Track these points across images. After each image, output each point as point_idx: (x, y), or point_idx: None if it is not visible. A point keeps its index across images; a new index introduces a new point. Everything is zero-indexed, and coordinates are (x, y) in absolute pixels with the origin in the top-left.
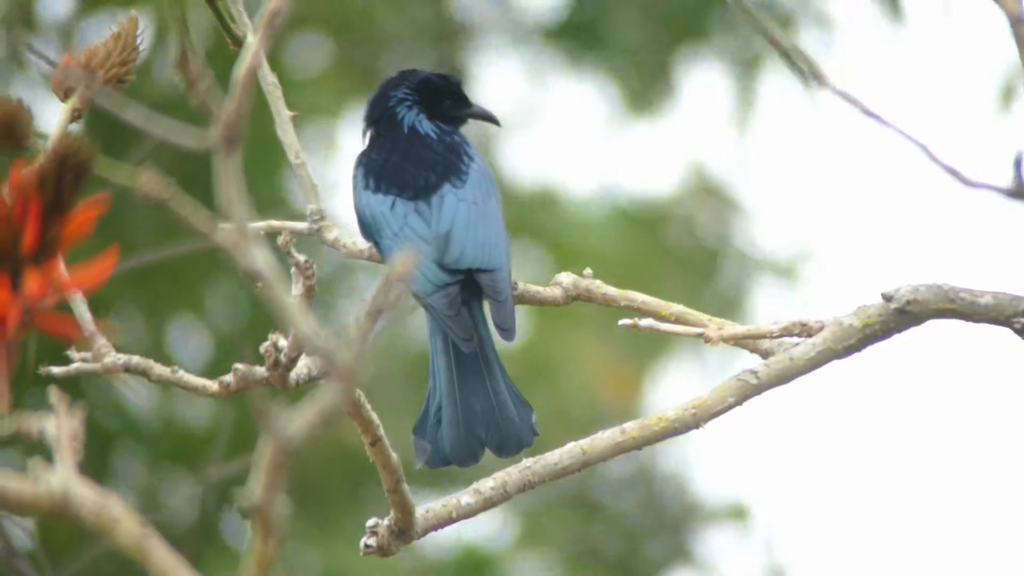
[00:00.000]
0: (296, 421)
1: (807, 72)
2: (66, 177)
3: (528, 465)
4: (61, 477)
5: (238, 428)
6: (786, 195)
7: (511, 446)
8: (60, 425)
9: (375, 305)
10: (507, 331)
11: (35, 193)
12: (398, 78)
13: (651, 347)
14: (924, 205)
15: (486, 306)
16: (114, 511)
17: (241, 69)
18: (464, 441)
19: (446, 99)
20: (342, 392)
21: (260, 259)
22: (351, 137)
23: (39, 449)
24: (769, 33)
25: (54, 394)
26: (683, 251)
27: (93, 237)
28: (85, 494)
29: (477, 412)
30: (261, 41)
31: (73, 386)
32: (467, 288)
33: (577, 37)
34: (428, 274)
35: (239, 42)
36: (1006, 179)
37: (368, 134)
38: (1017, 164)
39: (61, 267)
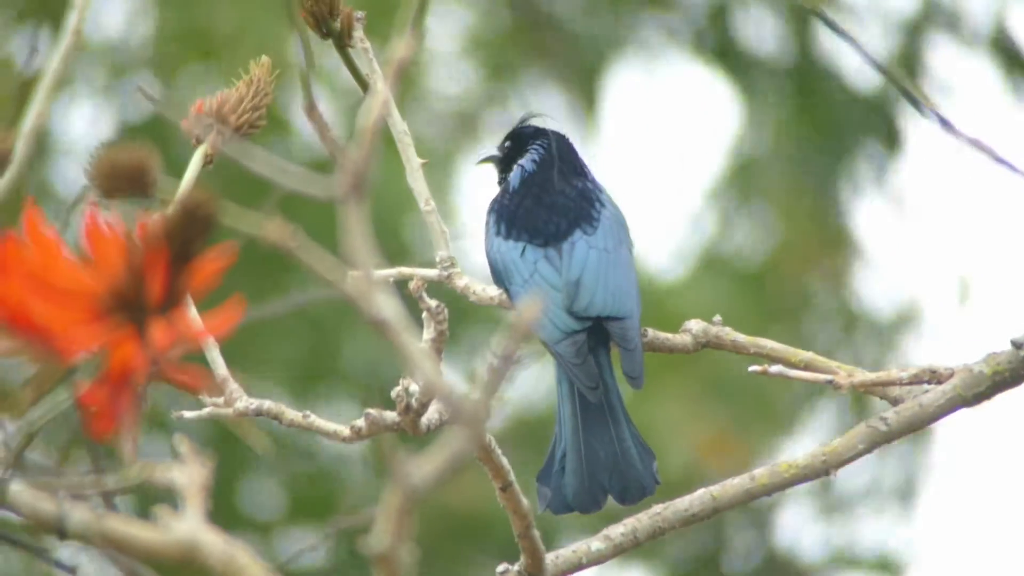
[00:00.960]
0: (424, 467)
1: (940, 119)
2: (193, 227)
3: (658, 511)
4: (189, 525)
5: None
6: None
7: (634, 493)
8: (189, 473)
9: (504, 351)
10: (635, 379)
11: (162, 243)
12: (532, 131)
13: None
14: None
15: (613, 353)
16: (241, 560)
17: (369, 116)
18: (587, 488)
19: (569, 165)
20: (470, 438)
21: (387, 307)
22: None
23: (165, 497)
24: (906, 83)
25: (182, 442)
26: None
27: (229, 287)
28: (213, 542)
29: (601, 459)
30: (389, 88)
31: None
32: (594, 335)
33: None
34: (557, 321)
35: (367, 88)
36: None
37: (501, 179)
38: None
39: (188, 317)
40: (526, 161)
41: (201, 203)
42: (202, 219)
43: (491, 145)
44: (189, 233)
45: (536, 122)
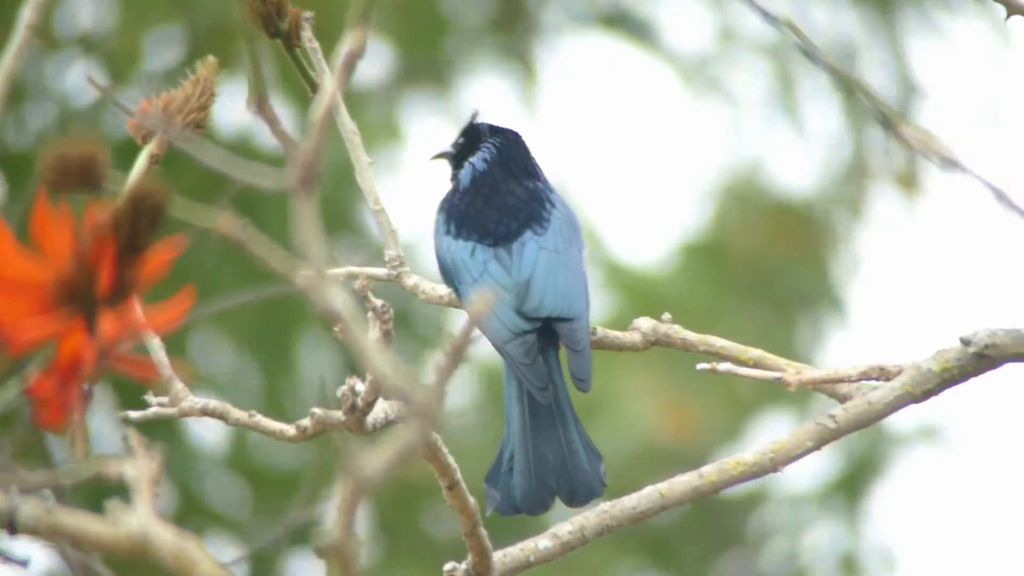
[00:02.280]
0: (373, 461)
1: (886, 118)
2: (141, 219)
3: (606, 509)
4: (141, 519)
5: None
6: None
7: (581, 496)
8: (140, 467)
9: (452, 348)
10: (583, 381)
11: (110, 235)
12: (486, 129)
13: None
14: (1002, 249)
15: (562, 354)
16: (193, 552)
17: (318, 111)
18: (535, 490)
19: (520, 165)
20: (419, 433)
21: (339, 301)
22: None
23: (116, 491)
24: (853, 81)
25: (133, 437)
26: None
27: (175, 282)
28: (164, 535)
29: (549, 461)
30: (337, 84)
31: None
32: (544, 336)
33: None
34: (506, 321)
35: (316, 88)
36: None
37: (453, 176)
38: None
39: (137, 309)
40: (477, 160)
41: (149, 195)
42: (150, 211)
43: (445, 142)
44: (138, 225)
45: (487, 120)
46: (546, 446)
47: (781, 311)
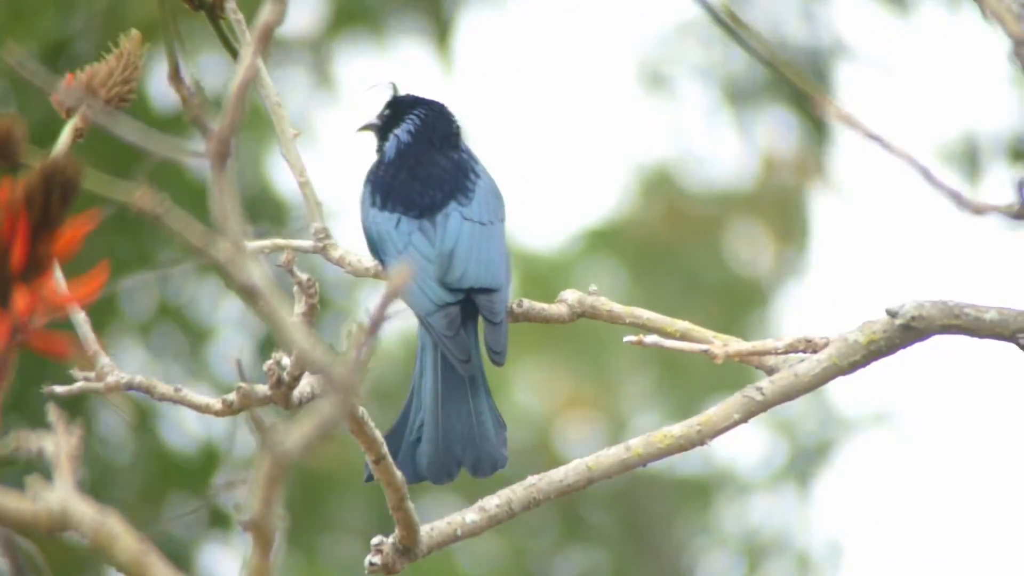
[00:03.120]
0: (293, 435)
1: (808, 94)
2: (54, 193)
3: (533, 482)
4: (60, 494)
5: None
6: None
7: (486, 466)
8: (59, 443)
9: (372, 320)
10: (499, 354)
11: (23, 210)
12: (411, 100)
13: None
14: (928, 224)
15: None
16: (113, 528)
17: (234, 83)
18: (442, 459)
19: (444, 136)
20: (339, 406)
21: (257, 275)
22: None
23: (36, 468)
24: (772, 56)
25: (53, 412)
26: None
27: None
28: (84, 511)
29: (457, 431)
30: (254, 55)
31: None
32: (464, 309)
33: None
34: (429, 293)
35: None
36: (1009, 201)
37: (378, 148)
38: (1020, 187)
39: (51, 284)
40: (401, 132)
41: (61, 168)
42: (63, 184)
43: (370, 113)
44: (50, 199)
45: (410, 90)
46: (456, 417)
47: (688, 296)
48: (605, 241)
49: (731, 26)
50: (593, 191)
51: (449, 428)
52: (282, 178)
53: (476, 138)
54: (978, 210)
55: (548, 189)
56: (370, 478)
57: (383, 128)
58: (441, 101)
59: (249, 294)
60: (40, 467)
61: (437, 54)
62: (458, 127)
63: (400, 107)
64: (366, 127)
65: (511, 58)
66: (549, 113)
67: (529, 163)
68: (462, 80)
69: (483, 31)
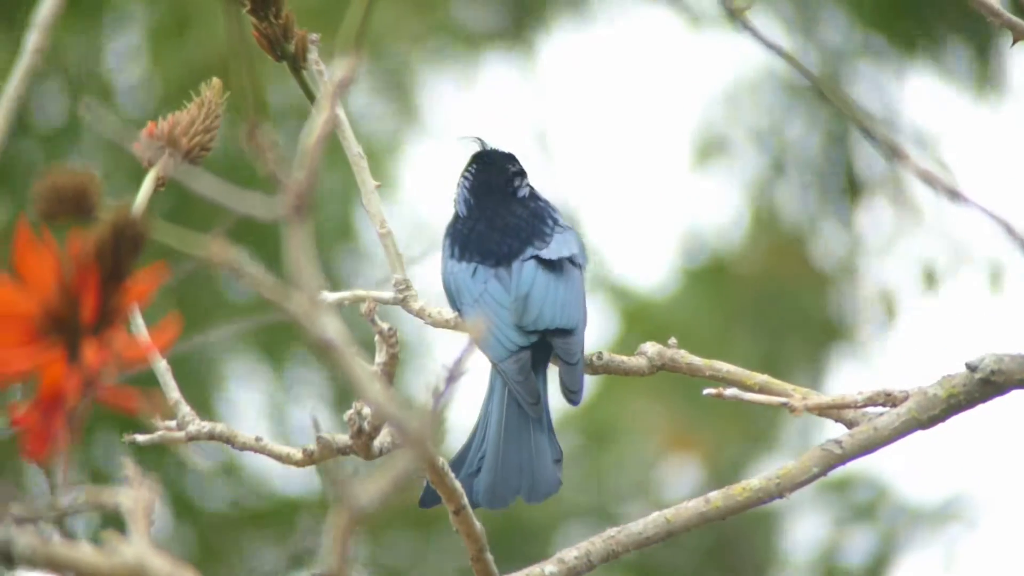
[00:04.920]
0: (369, 488)
1: (889, 149)
2: (123, 247)
3: (612, 534)
4: (136, 548)
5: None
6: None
7: (540, 493)
8: (135, 496)
9: (450, 372)
10: (575, 393)
11: (93, 263)
12: (472, 156)
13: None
14: (1008, 276)
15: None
16: None
17: (311, 137)
18: (499, 487)
19: (504, 185)
20: (418, 457)
21: (332, 329)
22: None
23: (112, 521)
24: (853, 111)
25: (128, 466)
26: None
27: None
28: (160, 565)
29: (515, 462)
30: (331, 109)
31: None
32: (536, 352)
33: None
34: (503, 340)
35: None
36: None
37: (455, 202)
38: None
39: (124, 337)
40: (460, 190)
41: (130, 222)
42: (132, 238)
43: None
44: (120, 252)
45: (477, 144)
46: (516, 450)
47: (781, 337)
48: (706, 279)
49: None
50: (696, 224)
51: (508, 460)
52: (364, 226)
53: (572, 163)
54: None
55: (648, 224)
56: (425, 501)
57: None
58: (506, 150)
59: (324, 349)
60: (115, 520)
61: (523, 77)
62: (517, 174)
63: (468, 162)
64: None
65: (599, 78)
66: (645, 137)
67: (622, 204)
68: (550, 102)
69: (568, 51)
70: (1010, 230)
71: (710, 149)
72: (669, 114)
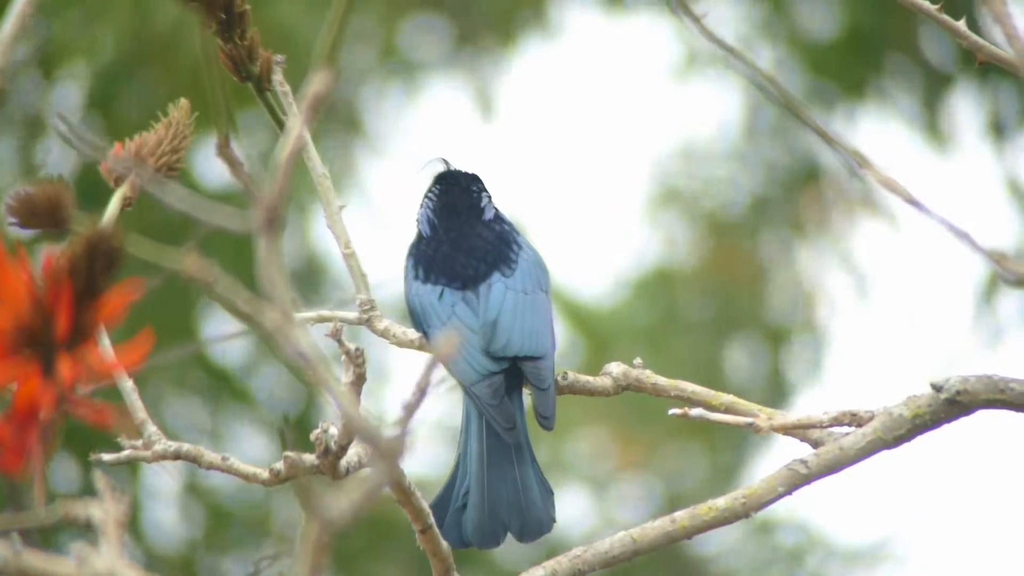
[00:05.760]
0: (339, 503)
1: (854, 158)
2: (97, 262)
3: (578, 553)
4: (106, 561)
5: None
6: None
7: (532, 532)
8: (106, 510)
9: (419, 389)
10: (547, 419)
11: (67, 279)
12: (437, 176)
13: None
14: (969, 293)
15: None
16: None
17: (283, 152)
18: (488, 524)
19: (469, 207)
20: (385, 474)
21: (305, 343)
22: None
23: (83, 534)
24: (815, 123)
25: (100, 480)
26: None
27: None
28: None
29: (503, 497)
30: (303, 125)
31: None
32: (509, 377)
33: None
34: (473, 363)
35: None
36: None
37: (418, 222)
38: None
39: (97, 352)
40: (424, 211)
41: (105, 237)
42: (106, 253)
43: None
44: (94, 268)
45: (441, 164)
46: (502, 483)
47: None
48: (649, 288)
49: (753, 66)
50: (632, 235)
51: (495, 493)
52: (327, 248)
53: (516, 185)
54: (1021, 277)
55: (585, 236)
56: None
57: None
58: (471, 172)
59: (298, 363)
60: (87, 534)
61: (476, 103)
62: (480, 197)
63: (432, 182)
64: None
65: (551, 104)
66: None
67: (568, 209)
68: (503, 127)
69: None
70: (970, 240)
71: (664, 199)
72: (622, 148)
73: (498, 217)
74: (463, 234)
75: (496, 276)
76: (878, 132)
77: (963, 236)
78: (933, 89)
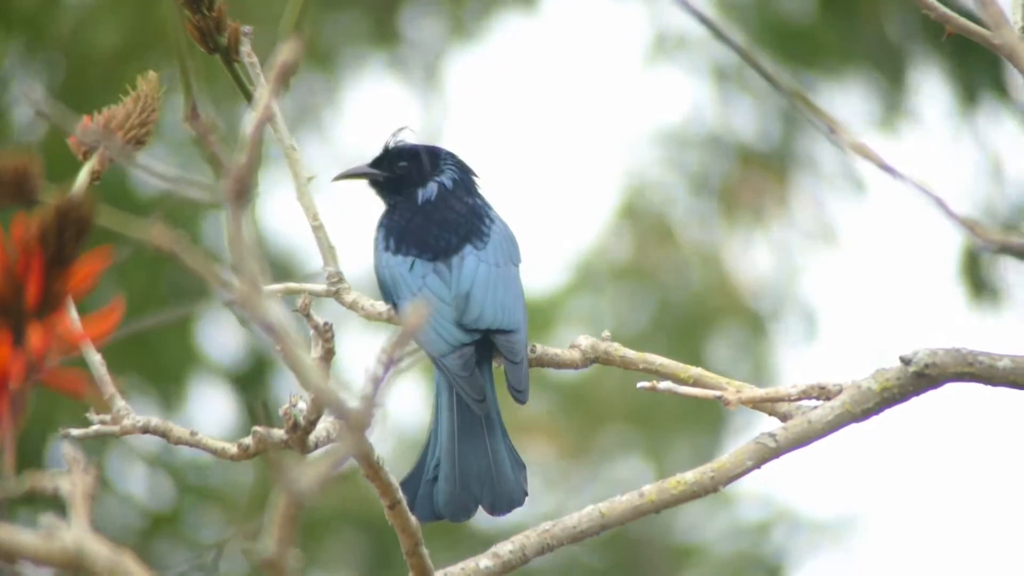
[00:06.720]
0: (308, 475)
1: (828, 125)
2: (67, 232)
3: (547, 528)
4: (75, 533)
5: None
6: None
7: (504, 504)
8: (75, 483)
9: (387, 360)
10: (521, 392)
11: (37, 247)
12: (442, 152)
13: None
14: (943, 265)
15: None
16: (127, 566)
17: (251, 123)
18: (459, 497)
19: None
20: (354, 445)
21: (273, 314)
22: None
23: (52, 506)
24: (793, 90)
25: (68, 453)
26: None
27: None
28: (99, 550)
29: (474, 470)
30: (272, 96)
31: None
32: (480, 349)
33: None
34: (445, 334)
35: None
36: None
37: (391, 196)
38: None
39: (66, 321)
40: (446, 179)
41: (75, 206)
42: (76, 223)
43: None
44: (64, 237)
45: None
46: (472, 455)
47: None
48: (593, 273)
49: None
50: (579, 222)
51: (466, 466)
52: (276, 225)
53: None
54: (995, 242)
55: (537, 224)
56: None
57: (402, 178)
58: (443, 146)
59: (267, 333)
60: (56, 506)
61: (423, 91)
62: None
63: (433, 157)
64: (378, 177)
65: (495, 95)
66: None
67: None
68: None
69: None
70: (943, 206)
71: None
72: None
73: (471, 191)
74: (436, 207)
75: (468, 248)
76: (843, 109)
77: (937, 202)
78: (897, 64)
